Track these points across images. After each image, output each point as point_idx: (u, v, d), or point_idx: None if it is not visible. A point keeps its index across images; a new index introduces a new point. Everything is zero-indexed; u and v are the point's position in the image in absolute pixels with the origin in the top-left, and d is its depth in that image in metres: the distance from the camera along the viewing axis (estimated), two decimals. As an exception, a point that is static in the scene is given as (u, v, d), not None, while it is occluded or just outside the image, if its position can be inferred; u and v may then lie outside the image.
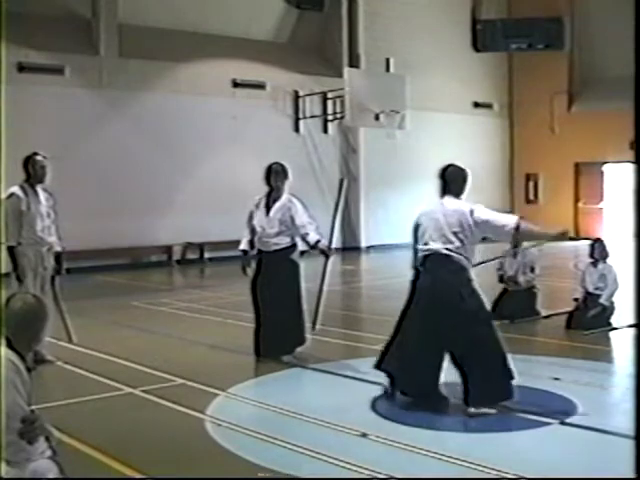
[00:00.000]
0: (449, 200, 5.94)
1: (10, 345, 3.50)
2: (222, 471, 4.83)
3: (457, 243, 5.76)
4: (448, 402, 5.98)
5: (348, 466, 4.74)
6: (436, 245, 5.80)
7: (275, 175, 7.70)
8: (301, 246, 7.86)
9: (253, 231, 7.79)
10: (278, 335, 7.62)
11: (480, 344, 5.77)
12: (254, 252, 7.87)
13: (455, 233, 5.77)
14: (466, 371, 5.80)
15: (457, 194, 5.98)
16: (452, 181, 6.01)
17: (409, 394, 6.06)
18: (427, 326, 5.83)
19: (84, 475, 4.51)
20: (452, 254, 5.76)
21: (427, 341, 5.84)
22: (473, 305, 5.79)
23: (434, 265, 5.82)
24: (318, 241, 7.59)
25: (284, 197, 7.70)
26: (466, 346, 5.76)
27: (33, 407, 3.57)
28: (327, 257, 7.77)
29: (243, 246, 7.87)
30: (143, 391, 6.66)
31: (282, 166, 7.77)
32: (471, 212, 5.80)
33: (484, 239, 5.98)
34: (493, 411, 5.75)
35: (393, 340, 6.12)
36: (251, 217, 7.81)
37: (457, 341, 5.80)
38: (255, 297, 7.80)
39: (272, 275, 7.65)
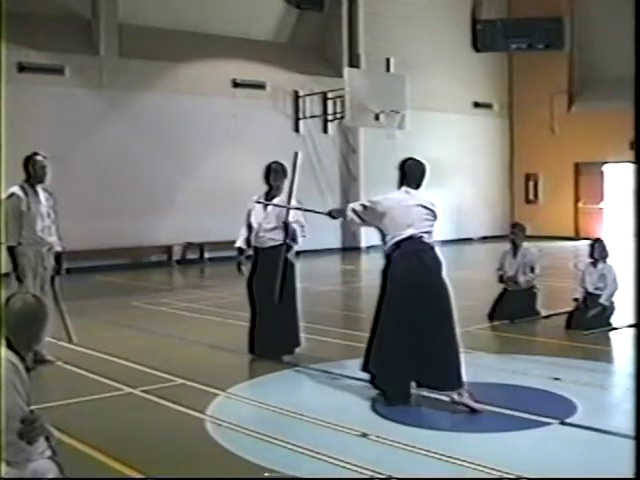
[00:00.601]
0: (412, 190, 6.20)
1: (10, 345, 3.50)
2: (222, 471, 4.83)
3: (427, 228, 6.08)
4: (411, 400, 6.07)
5: (348, 466, 4.75)
6: (410, 230, 6.01)
7: (274, 174, 7.72)
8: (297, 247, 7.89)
9: (250, 228, 7.80)
10: (273, 335, 7.62)
11: (447, 325, 5.96)
12: (250, 252, 7.88)
13: (425, 220, 6.09)
14: (431, 350, 5.91)
15: (417, 186, 6.24)
16: (411, 174, 6.27)
17: (386, 390, 6.08)
18: (403, 309, 5.94)
19: (84, 475, 4.51)
20: (424, 236, 6.03)
21: (404, 327, 5.94)
22: (443, 286, 6.02)
23: (409, 248, 6.00)
24: (294, 232, 7.69)
25: (282, 195, 7.72)
26: (437, 326, 5.92)
27: (33, 407, 3.57)
28: (289, 248, 7.74)
29: (239, 243, 7.88)
30: (143, 391, 6.66)
31: (281, 165, 7.78)
32: (437, 214, 6.19)
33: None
34: (476, 406, 5.80)
35: (372, 339, 6.20)
36: (249, 215, 7.82)
37: (431, 320, 5.92)
38: (251, 295, 7.81)
39: (268, 274, 7.65)
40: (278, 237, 7.66)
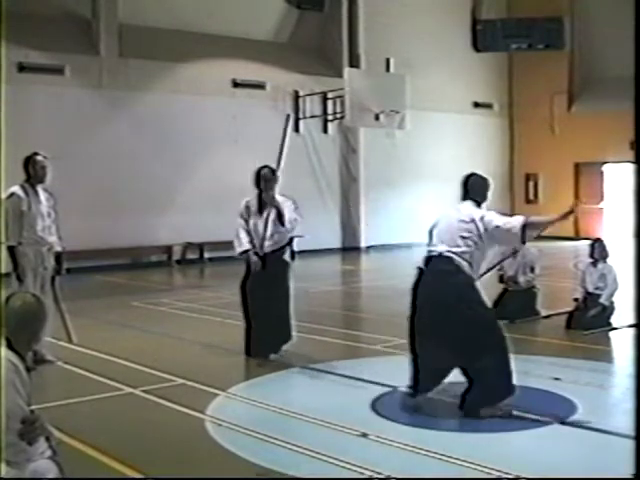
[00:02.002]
0: (466, 205, 5.93)
1: (9, 345, 3.49)
2: (222, 471, 4.83)
3: (463, 248, 5.75)
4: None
5: (348, 466, 4.74)
6: (442, 247, 5.82)
7: (265, 181, 7.68)
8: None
9: (249, 234, 7.75)
10: (270, 334, 7.65)
11: (482, 347, 5.71)
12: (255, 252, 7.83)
13: (463, 237, 5.76)
14: (470, 375, 5.79)
15: (478, 202, 5.94)
16: (472, 189, 5.99)
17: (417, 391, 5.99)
18: (433, 332, 5.79)
19: (84, 475, 4.51)
20: (455, 257, 5.74)
21: (435, 349, 5.79)
22: (475, 307, 5.75)
23: (436, 266, 5.83)
24: (292, 238, 7.72)
25: (275, 198, 7.72)
26: (469, 349, 5.73)
27: (33, 407, 3.57)
28: (292, 257, 7.81)
29: (246, 246, 7.72)
30: (143, 391, 6.66)
31: (272, 171, 7.75)
32: (481, 218, 5.77)
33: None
34: (501, 411, 5.75)
35: (415, 359, 5.99)
36: (245, 220, 7.76)
37: (461, 344, 5.75)
38: (245, 297, 7.81)
39: (265, 275, 7.65)
40: (276, 242, 7.67)
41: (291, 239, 7.85)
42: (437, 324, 5.77)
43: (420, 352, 5.90)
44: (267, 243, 7.65)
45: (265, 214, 7.67)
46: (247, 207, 7.76)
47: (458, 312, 5.70)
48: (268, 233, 7.64)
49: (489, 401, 5.74)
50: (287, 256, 7.84)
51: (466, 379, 5.84)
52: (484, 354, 5.70)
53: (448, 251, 5.76)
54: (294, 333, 7.84)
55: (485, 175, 6.11)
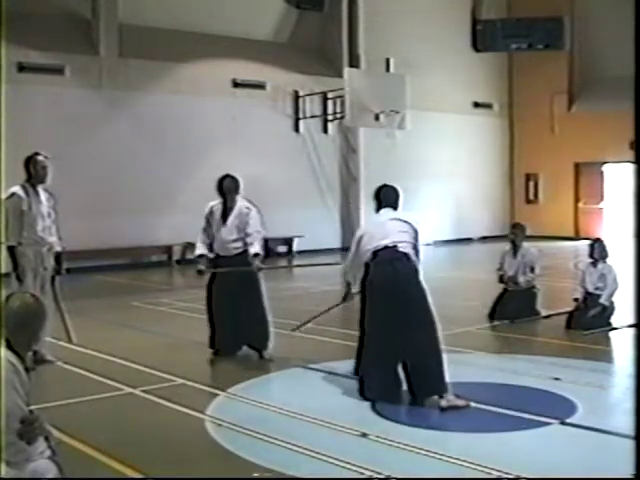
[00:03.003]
0: (387, 210, 6.36)
1: (9, 345, 3.49)
2: (222, 471, 4.83)
3: (404, 239, 6.14)
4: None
5: (348, 466, 4.74)
6: (384, 242, 6.13)
7: (228, 192, 7.82)
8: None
9: (208, 235, 7.87)
10: (234, 334, 7.74)
11: (426, 329, 5.99)
12: (211, 255, 7.90)
13: (401, 232, 6.17)
14: (411, 360, 5.99)
15: (394, 208, 6.40)
16: (384, 200, 6.42)
17: (372, 397, 6.12)
18: (381, 313, 6.06)
19: (84, 475, 4.51)
20: (398, 246, 6.10)
21: (384, 330, 6.05)
22: (417, 291, 6.05)
23: (384, 257, 6.11)
24: (256, 254, 7.67)
25: (239, 204, 7.81)
26: (415, 330, 5.97)
27: (33, 407, 3.57)
28: (258, 269, 7.78)
29: (201, 251, 7.86)
30: (143, 391, 6.66)
31: (234, 181, 7.85)
32: (415, 226, 6.26)
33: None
34: (462, 403, 5.84)
35: (362, 344, 6.29)
36: (209, 224, 7.87)
37: (408, 329, 5.98)
38: (209, 297, 7.93)
39: (231, 277, 7.70)
40: (240, 244, 7.73)
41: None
42: (391, 308, 6.01)
43: (373, 342, 6.12)
44: (231, 246, 7.70)
45: (229, 221, 7.74)
46: (212, 212, 7.92)
47: (408, 295, 6.01)
48: (232, 238, 7.71)
49: (430, 392, 5.92)
50: (252, 259, 7.84)
51: (402, 369, 6.05)
52: (421, 336, 5.95)
53: (392, 242, 6.09)
54: (292, 332, 7.91)
55: (395, 185, 6.52)
